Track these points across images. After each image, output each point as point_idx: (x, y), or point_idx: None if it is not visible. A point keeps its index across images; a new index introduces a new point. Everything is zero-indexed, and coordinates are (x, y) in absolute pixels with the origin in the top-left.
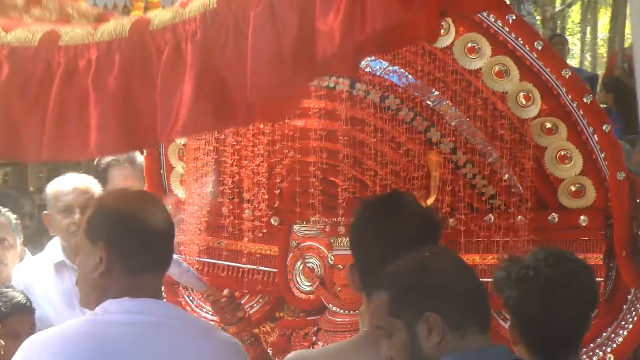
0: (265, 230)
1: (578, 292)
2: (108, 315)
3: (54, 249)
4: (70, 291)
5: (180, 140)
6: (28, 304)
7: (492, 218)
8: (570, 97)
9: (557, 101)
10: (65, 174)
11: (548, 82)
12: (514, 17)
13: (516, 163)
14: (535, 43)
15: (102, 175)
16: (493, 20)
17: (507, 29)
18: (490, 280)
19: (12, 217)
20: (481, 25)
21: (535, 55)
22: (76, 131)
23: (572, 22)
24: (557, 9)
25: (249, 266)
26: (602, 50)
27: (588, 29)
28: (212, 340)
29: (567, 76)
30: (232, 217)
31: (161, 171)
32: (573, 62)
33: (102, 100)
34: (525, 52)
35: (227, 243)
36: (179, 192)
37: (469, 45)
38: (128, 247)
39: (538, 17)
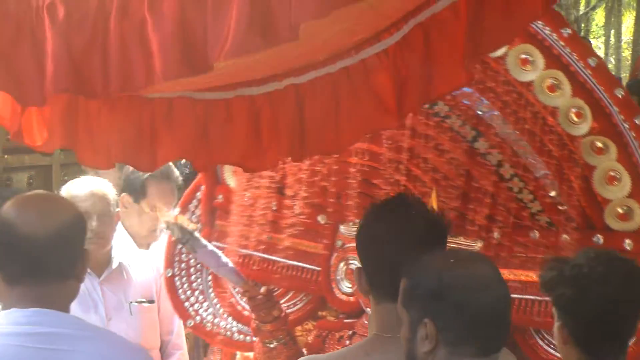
0: (309, 228)
1: (631, 290)
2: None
3: None
4: (85, 295)
5: None
6: None
7: (537, 234)
8: (622, 117)
9: (609, 120)
10: (81, 177)
11: (600, 101)
12: (570, 32)
13: (564, 180)
14: (590, 59)
15: (139, 189)
16: (548, 32)
17: (562, 43)
18: (532, 297)
19: None
20: (536, 37)
21: (590, 72)
22: (139, 60)
23: (597, 25)
24: (581, 12)
25: (293, 262)
26: (627, 53)
27: (612, 32)
28: (104, 346)
29: (620, 95)
30: (278, 212)
31: None
32: None
33: (159, 26)
34: (579, 68)
35: (273, 237)
36: (231, 182)
37: (523, 56)
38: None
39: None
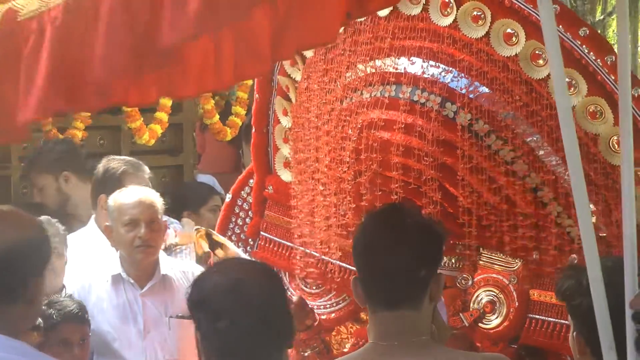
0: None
1: None
2: None
3: (112, 261)
4: (125, 305)
5: (286, 123)
6: (80, 314)
7: (576, 259)
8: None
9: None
10: (129, 186)
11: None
12: (613, 59)
13: (607, 209)
14: (634, 90)
15: (116, 185)
16: (593, 58)
17: (607, 70)
18: (565, 322)
19: (61, 227)
20: (580, 61)
21: (633, 102)
22: None
23: (613, 31)
24: (597, 19)
25: (338, 262)
26: None
27: (629, 38)
28: None
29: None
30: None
31: (269, 149)
32: None
33: None
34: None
35: (322, 236)
36: (282, 174)
37: (567, 80)
38: None
39: None
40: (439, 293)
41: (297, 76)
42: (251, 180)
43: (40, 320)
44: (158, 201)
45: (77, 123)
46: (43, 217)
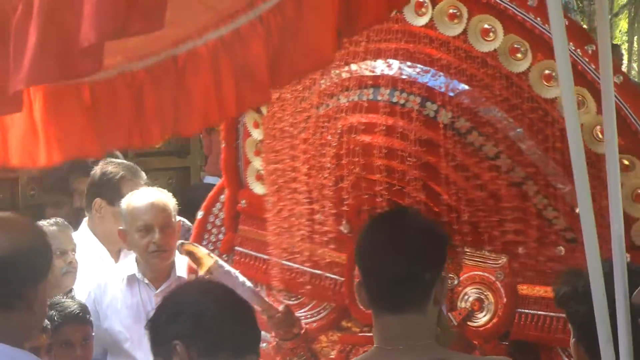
0: (334, 238)
1: None
2: None
3: (129, 261)
4: (138, 306)
5: (258, 136)
6: (82, 314)
7: (562, 250)
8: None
9: (635, 137)
10: (141, 189)
11: (627, 118)
12: (594, 48)
13: (593, 201)
14: (615, 77)
15: (114, 191)
16: (572, 49)
17: (587, 59)
18: (557, 315)
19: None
20: None
21: (615, 90)
22: None
23: (620, 31)
24: None
25: (316, 271)
26: None
27: (635, 38)
28: None
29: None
30: (303, 221)
31: (239, 163)
32: None
33: None
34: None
35: (298, 246)
36: (255, 187)
37: (546, 72)
38: None
39: (585, 27)
40: (444, 296)
41: None
42: (222, 196)
43: (47, 322)
44: (171, 203)
45: None
46: (52, 220)
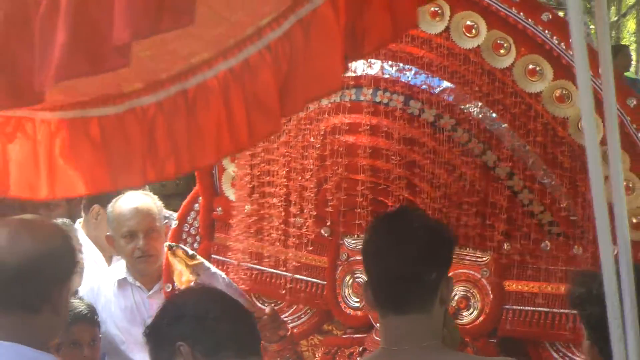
0: (313, 241)
1: None
2: None
3: (119, 265)
4: (132, 308)
5: None
6: (89, 315)
7: (548, 245)
8: (634, 126)
9: (621, 130)
10: (127, 193)
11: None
12: None
13: (577, 192)
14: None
15: (112, 196)
16: (557, 42)
17: (571, 53)
18: (546, 310)
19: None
20: (543, 47)
21: (600, 82)
22: None
23: (628, 32)
24: (612, 20)
25: (297, 276)
26: None
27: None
28: None
29: (632, 105)
30: (281, 225)
31: (213, 171)
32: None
33: None
34: (590, 78)
35: (276, 251)
36: (230, 194)
37: (530, 67)
38: None
39: (592, 27)
40: (450, 296)
41: None
42: (196, 205)
43: None
44: (155, 206)
45: None
46: (60, 220)
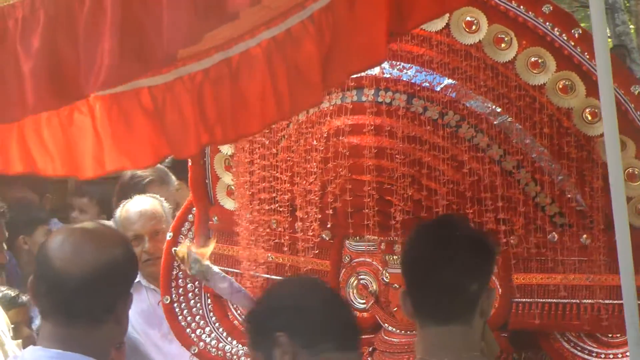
0: (315, 245)
1: None
2: None
3: None
4: (149, 311)
5: (227, 151)
6: None
7: (556, 236)
8: (639, 113)
9: (625, 118)
10: (135, 197)
11: (615, 98)
12: (580, 31)
13: (584, 182)
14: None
15: (140, 192)
16: (558, 34)
17: (573, 43)
18: (556, 301)
19: None
20: (545, 38)
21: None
22: (13, 93)
23: None
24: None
25: None
26: None
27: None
28: None
29: (637, 92)
30: (284, 232)
31: (207, 181)
32: None
33: (30, 58)
34: (592, 67)
35: (277, 257)
36: (226, 203)
37: (532, 59)
38: (36, 289)
39: (632, 26)
40: (490, 308)
41: None
42: (190, 216)
43: None
44: (160, 208)
45: None
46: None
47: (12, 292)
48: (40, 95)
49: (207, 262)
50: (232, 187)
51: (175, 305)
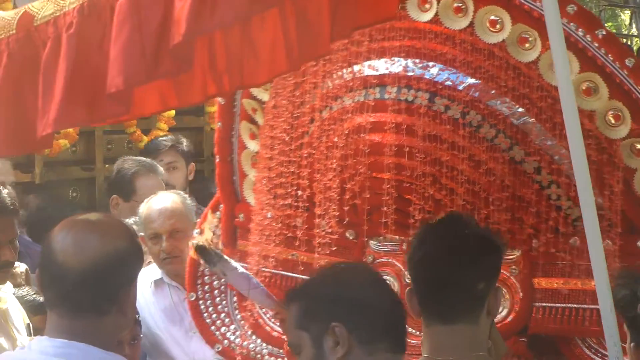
0: (337, 244)
1: None
2: (28, 353)
3: (153, 266)
4: (172, 307)
5: (254, 148)
6: None
7: (577, 241)
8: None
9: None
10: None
11: (639, 101)
12: (604, 33)
13: (604, 185)
14: (627, 60)
15: (128, 186)
16: (582, 35)
17: (597, 45)
18: (576, 306)
19: None
20: (569, 39)
21: (626, 73)
22: None
23: None
24: None
25: None
26: None
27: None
28: None
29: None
30: (305, 229)
31: (234, 178)
32: None
33: None
34: (615, 69)
35: (301, 256)
36: (252, 200)
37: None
38: (40, 281)
39: None
40: (497, 307)
41: (264, 97)
42: (218, 212)
43: None
44: (182, 206)
45: (161, 124)
46: (132, 219)
47: (40, 299)
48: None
49: (226, 257)
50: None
51: (201, 302)
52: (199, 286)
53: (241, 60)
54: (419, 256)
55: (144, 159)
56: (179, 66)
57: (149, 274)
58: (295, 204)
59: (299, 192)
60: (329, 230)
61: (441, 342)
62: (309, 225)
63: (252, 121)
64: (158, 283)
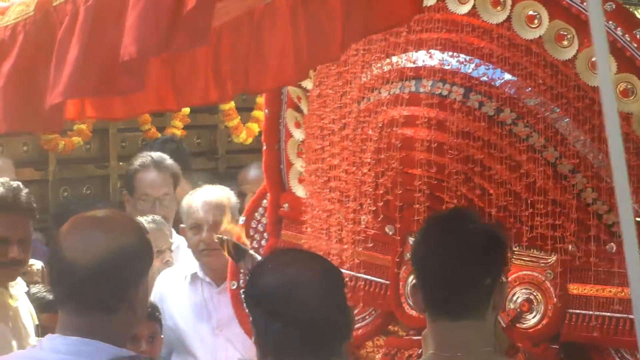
0: (376, 239)
1: None
2: (40, 351)
3: (192, 260)
4: (201, 304)
5: (299, 137)
6: (150, 310)
7: (614, 247)
8: None
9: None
10: (204, 186)
11: (620, 44)
12: None
13: None
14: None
15: (131, 182)
16: (621, 34)
17: (635, 45)
18: (609, 314)
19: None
20: (607, 38)
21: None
22: None
23: None
24: None
25: (361, 275)
26: None
27: None
28: None
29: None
30: (345, 221)
31: (281, 166)
32: None
33: (9, 77)
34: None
35: (341, 249)
36: (297, 190)
37: (594, 59)
38: (50, 278)
39: None
40: (503, 302)
41: (309, 85)
42: (264, 201)
43: None
44: (227, 202)
45: (176, 122)
46: (150, 217)
47: (50, 297)
48: (16, 116)
49: (251, 252)
50: (304, 174)
51: (242, 291)
52: (241, 275)
53: (247, 65)
54: (423, 251)
55: (152, 153)
56: (192, 41)
57: (186, 267)
58: (339, 196)
59: (337, 186)
60: (366, 223)
61: (448, 338)
62: (349, 220)
63: (298, 109)
64: (194, 277)
